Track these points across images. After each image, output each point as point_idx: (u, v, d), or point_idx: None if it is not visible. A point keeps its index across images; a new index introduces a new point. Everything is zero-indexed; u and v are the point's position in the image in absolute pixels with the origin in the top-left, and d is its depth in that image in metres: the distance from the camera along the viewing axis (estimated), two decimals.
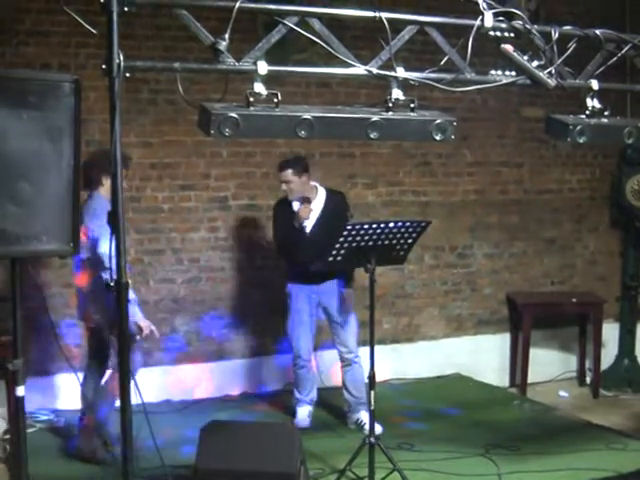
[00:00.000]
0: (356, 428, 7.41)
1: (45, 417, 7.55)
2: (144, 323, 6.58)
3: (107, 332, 6.68)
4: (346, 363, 7.48)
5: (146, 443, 5.26)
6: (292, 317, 7.50)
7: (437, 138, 4.99)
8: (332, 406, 7.95)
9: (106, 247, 6.49)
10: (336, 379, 7.93)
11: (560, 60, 5.27)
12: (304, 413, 7.56)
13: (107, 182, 6.59)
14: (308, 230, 7.34)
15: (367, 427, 7.02)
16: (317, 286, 7.38)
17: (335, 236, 6.09)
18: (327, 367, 8.19)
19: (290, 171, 7.26)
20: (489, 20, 5.04)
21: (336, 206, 7.45)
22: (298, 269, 7.34)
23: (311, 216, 7.34)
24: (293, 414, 7.63)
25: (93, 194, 6.71)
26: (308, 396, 7.59)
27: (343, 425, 7.59)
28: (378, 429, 6.55)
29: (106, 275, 6.53)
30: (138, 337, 6.65)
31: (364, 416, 7.34)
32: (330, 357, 7.98)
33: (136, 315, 6.52)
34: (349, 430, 7.46)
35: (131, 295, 6.56)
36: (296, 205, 7.35)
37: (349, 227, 6.04)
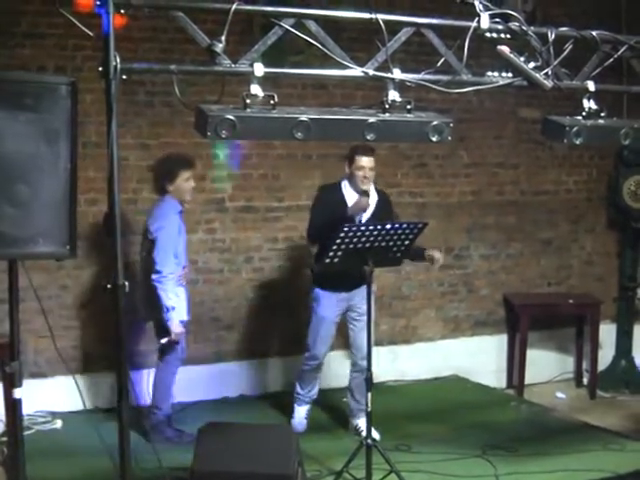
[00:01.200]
0: (355, 434, 7.38)
1: (43, 419, 7.53)
2: (175, 330, 7.00)
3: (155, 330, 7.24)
4: (357, 369, 7.34)
5: None
6: (316, 322, 7.34)
7: (434, 139, 5.00)
8: (331, 408, 7.96)
9: (162, 250, 6.90)
10: (338, 381, 7.92)
11: (556, 61, 5.28)
12: (302, 414, 7.53)
13: (176, 182, 7.12)
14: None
15: (364, 434, 7.04)
16: (347, 294, 7.27)
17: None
18: (331, 368, 8.17)
19: (374, 158, 7.05)
20: (485, 22, 5.05)
21: (387, 205, 7.35)
22: (332, 274, 6.90)
23: (365, 214, 7.12)
24: (291, 413, 7.61)
25: (165, 196, 7.15)
26: (309, 393, 7.54)
27: (341, 427, 7.60)
28: (376, 436, 6.51)
29: (155, 277, 6.91)
30: (166, 339, 7.03)
31: (362, 423, 7.33)
32: (335, 358, 7.99)
33: (172, 320, 6.94)
34: (346, 432, 7.47)
35: (171, 302, 6.90)
36: (353, 196, 7.11)
37: (346, 229, 6.03)
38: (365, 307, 6.96)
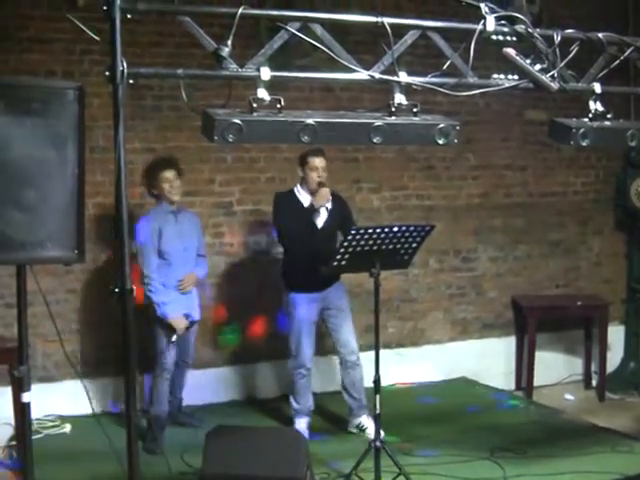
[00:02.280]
0: (358, 432, 7.42)
1: (51, 423, 7.55)
2: (175, 319, 7.13)
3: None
4: (347, 365, 7.41)
5: None
6: (296, 326, 7.37)
7: (440, 142, 5.00)
8: (335, 411, 7.95)
9: (139, 254, 7.07)
10: (334, 384, 7.92)
11: (562, 63, 5.28)
12: (303, 425, 7.41)
13: (158, 185, 7.26)
14: (320, 225, 7.24)
15: (369, 431, 7.07)
16: (320, 293, 7.33)
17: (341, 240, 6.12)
18: (325, 373, 8.18)
19: (325, 159, 7.24)
20: (491, 24, 5.05)
21: (343, 206, 7.47)
22: (302, 275, 7.23)
23: (322, 212, 7.25)
24: (290, 422, 7.56)
25: (159, 202, 7.32)
26: (306, 406, 7.47)
27: (346, 430, 7.59)
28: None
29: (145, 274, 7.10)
30: (174, 337, 7.11)
31: (365, 420, 7.35)
32: (328, 362, 8.00)
33: (168, 315, 7.09)
34: (354, 434, 7.46)
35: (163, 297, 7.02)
36: (307, 198, 7.25)
37: (354, 231, 6.05)
38: (339, 303, 7.39)
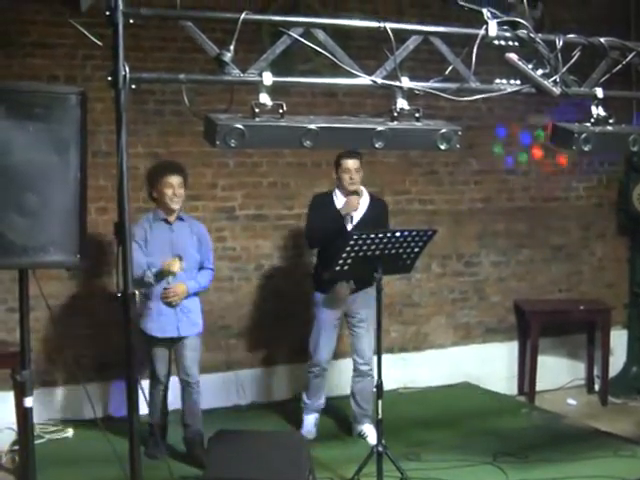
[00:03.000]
0: (359, 439, 7.44)
1: (54, 428, 7.55)
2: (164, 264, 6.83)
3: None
4: (359, 374, 7.45)
5: None
6: (317, 326, 7.43)
7: (442, 147, 5.00)
8: (341, 415, 7.96)
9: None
10: (345, 388, 7.93)
11: (565, 68, 5.28)
12: (311, 422, 7.56)
13: (157, 189, 6.97)
14: (350, 227, 7.23)
15: (369, 439, 7.10)
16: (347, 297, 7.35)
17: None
18: (337, 376, 8.18)
19: (359, 161, 7.25)
20: (493, 29, 5.05)
21: (380, 211, 7.46)
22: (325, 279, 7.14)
23: (356, 216, 7.26)
24: (300, 422, 7.63)
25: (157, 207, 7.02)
26: (316, 403, 7.58)
27: (351, 434, 7.60)
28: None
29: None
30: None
31: (367, 428, 7.37)
32: (340, 366, 8.01)
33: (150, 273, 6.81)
34: (357, 439, 7.47)
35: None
36: (341, 200, 7.28)
37: (355, 237, 6.06)
38: (364, 313, 7.24)
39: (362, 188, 7.36)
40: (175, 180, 6.91)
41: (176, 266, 6.77)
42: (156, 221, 6.96)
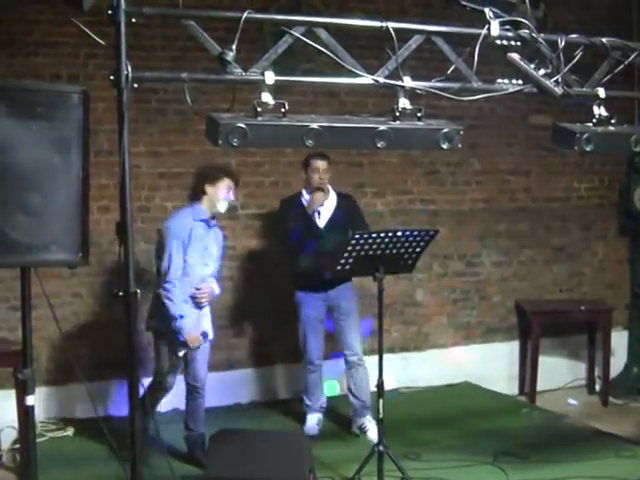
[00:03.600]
0: (360, 433, 7.49)
1: (55, 426, 7.56)
2: (190, 337, 6.64)
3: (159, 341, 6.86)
4: (350, 366, 7.53)
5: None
6: (303, 324, 7.55)
7: (444, 147, 5.00)
8: (340, 414, 7.96)
9: (169, 261, 6.57)
10: (343, 387, 7.95)
11: (567, 68, 5.28)
12: (313, 421, 7.62)
13: (210, 191, 6.76)
14: (322, 225, 7.43)
15: (369, 433, 7.12)
16: (326, 293, 7.45)
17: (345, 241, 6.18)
18: (335, 376, 8.20)
19: (327, 162, 7.43)
20: (495, 29, 5.06)
21: (350, 206, 7.62)
22: (307, 275, 7.37)
23: (325, 213, 7.44)
24: (302, 421, 7.67)
25: (194, 204, 6.83)
26: (318, 402, 7.65)
27: (351, 433, 7.61)
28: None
29: (163, 289, 6.61)
30: (183, 350, 6.69)
31: (368, 421, 7.38)
32: (338, 366, 8.02)
33: (184, 330, 6.59)
34: (358, 438, 7.48)
35: (182, 310, 6.57)
36: (308, 200, 7.48)
37: (357, 236, 6.08)
38: (346, 305, 7.49)
39: (329, 187, 7.53)
40: (232, 183, 6.83)
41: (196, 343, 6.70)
42: (198, 221, 6.75)
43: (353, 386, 7.53)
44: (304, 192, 7.53)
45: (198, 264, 6.72)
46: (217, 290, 6.98)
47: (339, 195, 7.58)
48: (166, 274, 6.61)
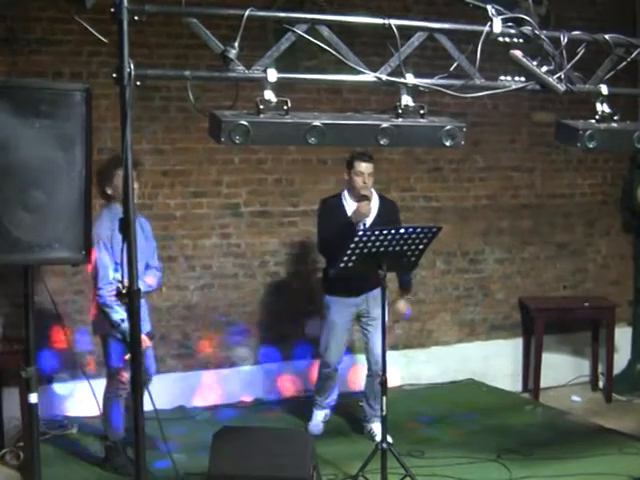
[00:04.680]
0: (369, 438, 7.43)
1: (59, 424, 7.56)
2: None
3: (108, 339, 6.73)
4: (371, 374, 7.42)
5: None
6: (327, 328, 7.45)
7: (447, 144, 5.00)
8: (347, 412, 7.96)
9: (97, 267, 6.42)
10: (353, 385, 7.94)
11: (569, 65, 5.27)
12: (319, 418, 7.62)
13: (111, 191, 6.62)
14: None
15: (377, 438, 7.09)
16: (356, 299, 7.35)
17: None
18: (348, 372, 8.19)
19: (372, 165, 7.22)
20: (498, 26, 5.05)
21: (391, 212, 7.46)
22: (339, 281, 7.08)
23: (367, 219, 7.25)
24: (307, 419, 7.67)
25: (110, 204, 6.70)
26: (327, 400, 7.65)
27: (356, 431, 7.62)
28: (388, 439, 6.54)
29: (98, 297, 6.48)
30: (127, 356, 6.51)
31: (376, 427, 7.36)
32: (349, 362, 8.03)
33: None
34: (362, 436, 7.48)
35: (123, 314, 6.29)
36: (352, 204, 7.25)
37: (360, 233, 6.06)
38: (377, 311, 7.02)
39: (372, 190, 7.34)
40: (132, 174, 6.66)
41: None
42: (117, 218, 6.58)
43: (369, 393, 7.45)
44: (346, 195, 7.31)
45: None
46: (151, 281, 6.87)
47: (381, 199, 7.42)
48: (97, 281, 6.53)
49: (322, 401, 7.64)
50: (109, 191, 6.66)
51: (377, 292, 7.10)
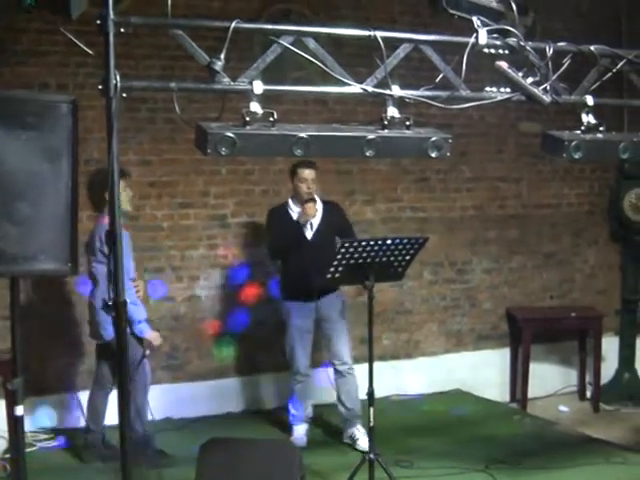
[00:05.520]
0: (350, 442, 7.45)
1: (45, 436, 7.54)
2: (153, 334, 6.89)
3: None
4: (340, 375, 7.50)
5: None
6: (290, 334, 7.51)
7: (433, 155, 5.01)
8: (330, 423, 7.96)
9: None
10: (331, 396, 7.93)
11: (555, 76, 5.30)
12: (301, 431, 7.59)
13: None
14: (310, 236, 7.38)
15: (359, 442, 7.11)
16: (314, 303, 7.40)
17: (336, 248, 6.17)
18: (323, 384, 8.19)
19: (315, 171, 7.37)
20: (483, 37, 5.07)
21: (336, 213, 7.59)
22: (295, 285, 7.37)
23: (313, 221, 7.39)
24: (290, 430, 7.64)
25: (104, 211, 6.75)
26: (304, 412, 7.61)
27: (342, 441, 7.59)
28: (365, 445, 6.56)
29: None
30: (148, 351, 6.83)
31: (358, 431, 7.37)
32: (325, 374, 8.04)
33: (146, 331, 6.80)
34: (349, 446, 7.46)
35: (143, 315, 6.65)
36: (296, 211, 7.40)
37: (347, 244, 6.07)
38: (334, 314, 7.42)
39: (316, 196, 7.48)
40: (126, 184, 6.90)
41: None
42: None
43: (343, 395, 7.50)
44: (290, 202, 7.49)
45: (130, 263, 6.82)
46: None
47: (325, 203, 7.55)
48: None
49: (299, 414, 7.60)
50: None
51: (334, 294, 7.45)
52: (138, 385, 6.93)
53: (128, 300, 6.38)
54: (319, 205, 7.45)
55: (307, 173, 7.33)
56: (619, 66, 5.60)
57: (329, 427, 7.94)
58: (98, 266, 6.80)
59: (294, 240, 7.32)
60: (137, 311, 6.78)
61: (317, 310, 7.45)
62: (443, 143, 5.02)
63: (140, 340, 6.86)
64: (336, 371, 7.53)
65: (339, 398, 7.54)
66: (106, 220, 6.58)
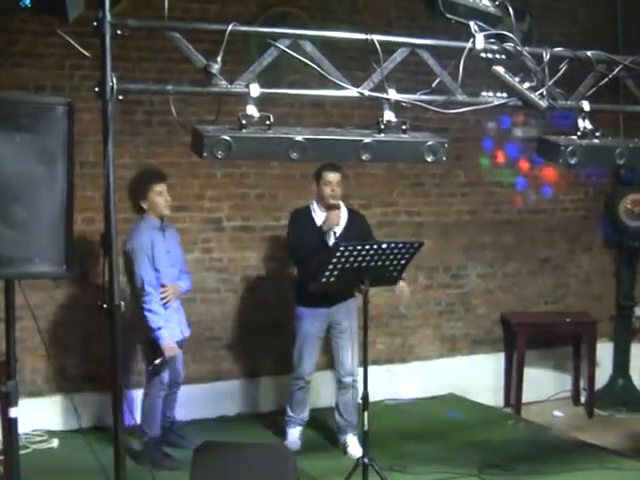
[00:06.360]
0: (343, 450, 7.43)
1: (39, 438, 7.52)
2: (167, 348, 6.92)
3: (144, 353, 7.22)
4: (342, 386, 7.44)
5: None
6: (300, 340, 7.44)
7: (429, 159, 5.01)
8: (326, 427, 7.94)
9: (142, 276, 6.84)
10: (328, 400, 7.92)
11: (551, 81, 5.30)
12: (295, 435, 7.55)
13: (147, 205, 7.09)
14: (331, 244, 7.21)
15: (350, 449, 7.11)
16: (327, 309, 7.35)
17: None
18: (322, 387, 8.18)
19: (340, 175, 7.30)
20: (480, 42, 5.08)
21: (361, 223, 7.51)
22: (309, 292, 6.99)
23: (336, 229, 7.28)
24: (283, 433, 7.63)
25: (142, 215, 7.12)
26: (300, 416, 7.57)
27: (335, 445, 7.58)
28: (359, 452, 6.54)
29: (142, 302, 6.86)
30: (158, 360, 6.91)
31: (350, 439, 7.35)
32: (323, 378, 8.01)
33: (162, 339, 6.87)
34: (343, 451, 7.45)
35: (161, 322, 6.77)
36: (321, 215, 7.30)
37: (342, 248, 6.07)
38: (346, 324, 7.26)
39: (340, 202, 7.39)
40: (163, 187, 7.10)
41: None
42: (154, 229, 7.07)
43: (341, 406, 7.45)
44: (315, 205, 7.37)
45: (167, 268, 7.04)
46: (185, 286, 7.37)
47: (350, 211, 7.46)
48: (142, 288, 6.88)
49: (295, 417, 7.56)
50: (144, 205, 7.07)
51: (349, 302, 7.29)
52: (153, 390, 7.09)
53: (145, 307, 6.81)
54: (343, 212, 7.36)
55: (332, 176, 7.23)
56: (615, 72, 5.61)
57: (324, 431, 7.93)
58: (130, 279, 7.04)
59: (315, 245, 7.17)
60: (154, 319, 6.86)
61: (329, 316, 7.39)
62: (439, 147, 5.03)
63: (158, 347, 6.93)
64: (340, 381, 7.48)
65: (337, 407, 7.50)
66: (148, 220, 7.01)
